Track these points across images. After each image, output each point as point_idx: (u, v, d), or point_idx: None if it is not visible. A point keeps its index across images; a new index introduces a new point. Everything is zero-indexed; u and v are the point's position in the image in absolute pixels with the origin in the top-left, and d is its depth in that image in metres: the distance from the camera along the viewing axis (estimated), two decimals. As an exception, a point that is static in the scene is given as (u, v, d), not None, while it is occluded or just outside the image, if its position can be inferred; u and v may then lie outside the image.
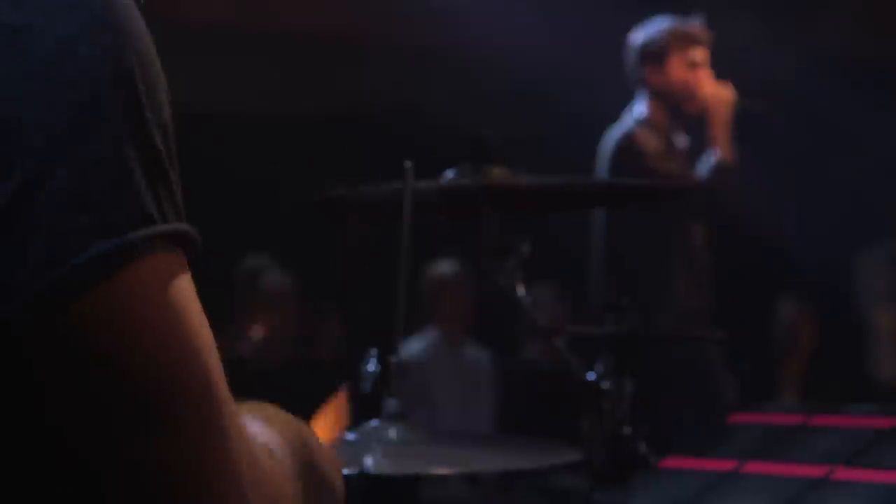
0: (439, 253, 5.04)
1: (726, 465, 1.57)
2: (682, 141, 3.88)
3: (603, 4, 5.05)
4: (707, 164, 3.76)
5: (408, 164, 1.72)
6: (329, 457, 0.94)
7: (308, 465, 0.89)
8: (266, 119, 5.61)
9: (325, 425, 1.24)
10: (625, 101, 4.20)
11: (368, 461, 1.52)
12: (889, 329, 4.87)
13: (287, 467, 0.85)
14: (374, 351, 1.63)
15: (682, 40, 3.79)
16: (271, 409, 0.93)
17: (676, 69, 3.79)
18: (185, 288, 0.71)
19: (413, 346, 4.81)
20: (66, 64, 0.69)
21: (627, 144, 3.77)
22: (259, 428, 0.87)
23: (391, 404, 1.63)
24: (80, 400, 0.68)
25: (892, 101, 4.66)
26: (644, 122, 3.81)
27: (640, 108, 3.83)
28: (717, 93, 3.78)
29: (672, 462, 1.65)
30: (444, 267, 5.06)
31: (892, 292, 4.86)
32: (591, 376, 1.77)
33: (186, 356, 0.70)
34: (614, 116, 4.10)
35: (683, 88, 3.80)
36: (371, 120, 5.75)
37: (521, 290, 1.93)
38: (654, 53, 3.79)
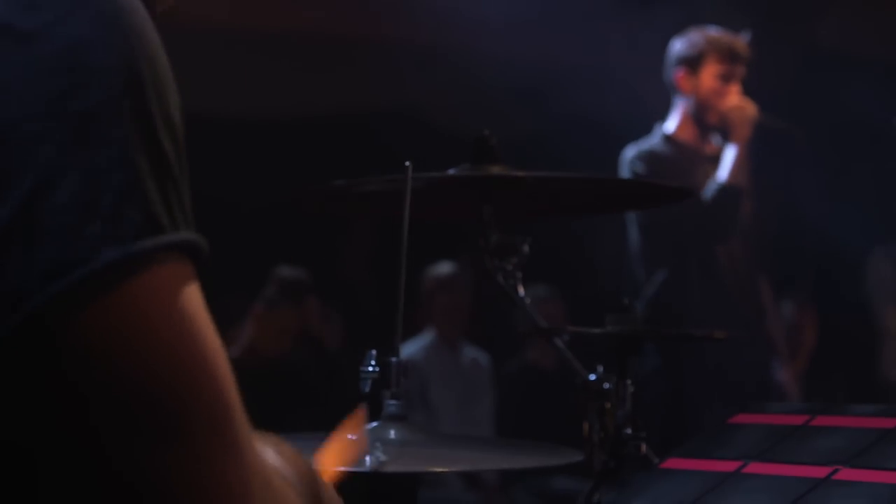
0: (441, 254, 5.04)
1: (728, 466, 1.57)
2: (712, 149, 3.92)
3: (603, 5, 5.05)
4: (712, 185, 3.79)
5: (407, 163, 1.71)
6: (333, 495, 0.94)
7: (315, 496, 0.89)
8: (263, 118, 5.60)
9: (338, 451, 1.22)
10: (628, 101, 4.21)
11: (368, 461, 1.51)
12: None
13: (297, 492, 0.84)
14: (372, 352, 1.62)
15: (719, 51, 3.85)
16: (280, 441, 0.92)
17: (708, 78, 3.85)
18: (193, 297, 0.71)
19: (411, 348, 4.81)
20: (76, 70, 0.68)
21: (643, 158, 3.84)
22: (270, 452, 0.87)
23: (390, 405, 1.62)
24: (88, 403, 0.67)
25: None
26: (668, 139, 3.88)
27: (670, 121, 3.91)
28: (740, 108, 3.82)
29: (673, 463, 1.64)
30: (442, 269, 5.06)
31: None
32: (591, 377, 1.76)
33: (196, 365, 0.69)
34: (616, 117, 4.12)
35: (710, 98, 3.85)
36: (370, 120, 5.74)
37: (521, 291, 1.92)
38: (691, 58, 3.87)
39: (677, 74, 3.91)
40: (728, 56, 3.84)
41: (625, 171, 3.88)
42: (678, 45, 3.93)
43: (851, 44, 5.40)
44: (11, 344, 0.66)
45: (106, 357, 0.67)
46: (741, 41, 3.90)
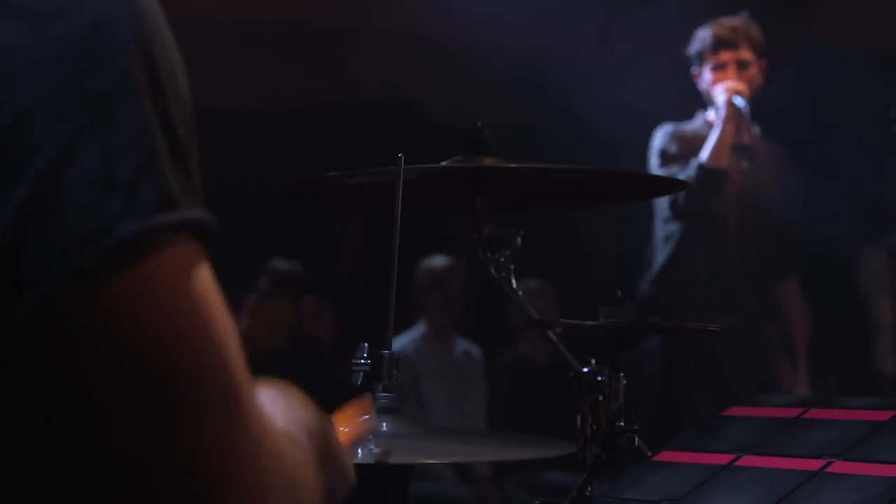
0: (435, 247, 5.03)
1: (721, 459, 1.56)
2: (748, 138, 3.95)
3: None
4: (693, 164, 3.85)
5: (400, 155, 1.70)
6: (342, 444, 0.98)
7: (325, 450, 0.92)
8: (255, 110, 5.58)
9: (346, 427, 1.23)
10: (622, 93, 4.21)
11: (360, 454, 1.51)
12: (893, 322, 4.87)
13: (306, 453, 0.86)
14: (364, 344, 1.61)
15: (709, 44, 3.92)
16: (290, 393, 0.95)
17: (707, 71, 3.93)
18: (204, 275, 0.72)
19: (402, 341, 4.80)
20: (91, 50, 0.70)
21: (667, 134, 3.92)
22: (279, 412, 0.89)
23: (382, 398, 1.62)
24: (103, 380, 0.68)
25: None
26: (707, 123, 3.95)
27: (710, 111, 3.96)
28: (723, 91, 3.88)
29: (666, 456, 1.64)
30: (435, 261, 5.05)
31: (894, 285, 4.87)
32: (584, 370, 1.75)
33: (207, 342, 0.71)
34: (611, 109, 4.12)
35: (711, 89, 3.94)
36: (363, 112, 5.73)
37: (514, 283, 1.91)
38: (695, 57, 3.98)
39: (693, 74, 4.00)
40: (715, 45, 3.92)
41: (652, 143, 3.98)
42: (690, 47, 4.02)
43: (848, 35, 5.39)
44: (31, 319, 0.67)
45: (117, 332, 0.68)
46: (728, 24, 3.93)
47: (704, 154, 3.87)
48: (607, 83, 4.69)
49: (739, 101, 3.84)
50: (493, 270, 1.90)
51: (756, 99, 3.99)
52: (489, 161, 1.84)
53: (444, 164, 1.87)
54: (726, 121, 3.86)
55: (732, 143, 3.90)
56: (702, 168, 3.84)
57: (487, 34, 5.05)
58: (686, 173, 3.85)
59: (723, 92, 3.89)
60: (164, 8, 0.77)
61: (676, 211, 3.96)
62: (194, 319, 0.71)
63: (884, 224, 5.02)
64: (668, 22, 4.07)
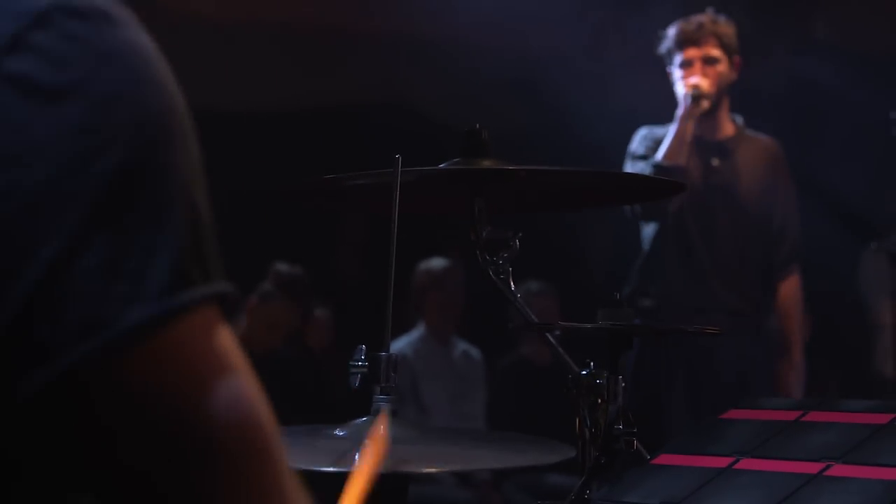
0: (434, 250, 5.02)
1: (720, 462, 1.56)
2: (726, 133, 3.93)
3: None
4: (649, 163, 3.82)
5: (397, 157, 1.70)
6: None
7: None
8: (252, 112, 5.58)
9: (371, 457, 1.22)
10: (620, 94, 4.20)
11: (358, 459, 1.50)
12: (893, 323, 4.86)
13: None
14: (361, 347, 1.61)
15: (675, 41, 3.89)
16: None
17: (676, 69, 3.90)
18: (223, 340, 0.72)
19: (400, 344, 4.79)
20: (104, 128, 0.68)
21: (645, 137, 3.89)
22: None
23: (381, 401, 1.61)
24: (133, 456, 0.68)
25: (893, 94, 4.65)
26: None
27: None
28: (682, 89, 3.85)
29: (665, 459, 1.64)
30: (433, 263, 5.04)
31: (894, 287, 4.85)
32: (583, 372, 1.75)
33: (232, 406, 0.70)
34: (609, 110, 4.11)
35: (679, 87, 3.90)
36: (361, 113, 5.72)
37: (512, 286, 1.91)
38: (667, 56, 3.92)
39: (668, 73, 3.96)
40: (680, 42, 3.89)
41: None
42: (660, 46, 3.98)
43: (848, 35, 5.38)
44: (42, 399, 0.67)
45: (140, 403, 0.68)
46: (694, 21, 3.90)
47: (660, 152, 3.84)
48: (605, 86, 4.69)
49: (688, 99, 3.82)
50: (491, 273, 1.90)
51: (735, 94, 3.96)
52: (487, 163, 1.84)
53: (442, 166, 1.86)
54: (683, 118, 3.83)
55: (692, 140, 3.87)
56: (656, 166, 3.81)
57: (486, 36, 5.05)
58: (641, 172, 3.81)
59: (683, 88, 3.86)
60: (162, 11, 0.76)
61: (632, 211, 3.94)
62: (214, 381, 0.70)
63: (884, 226, 5.02)
64: (666, 25, 4.05)
